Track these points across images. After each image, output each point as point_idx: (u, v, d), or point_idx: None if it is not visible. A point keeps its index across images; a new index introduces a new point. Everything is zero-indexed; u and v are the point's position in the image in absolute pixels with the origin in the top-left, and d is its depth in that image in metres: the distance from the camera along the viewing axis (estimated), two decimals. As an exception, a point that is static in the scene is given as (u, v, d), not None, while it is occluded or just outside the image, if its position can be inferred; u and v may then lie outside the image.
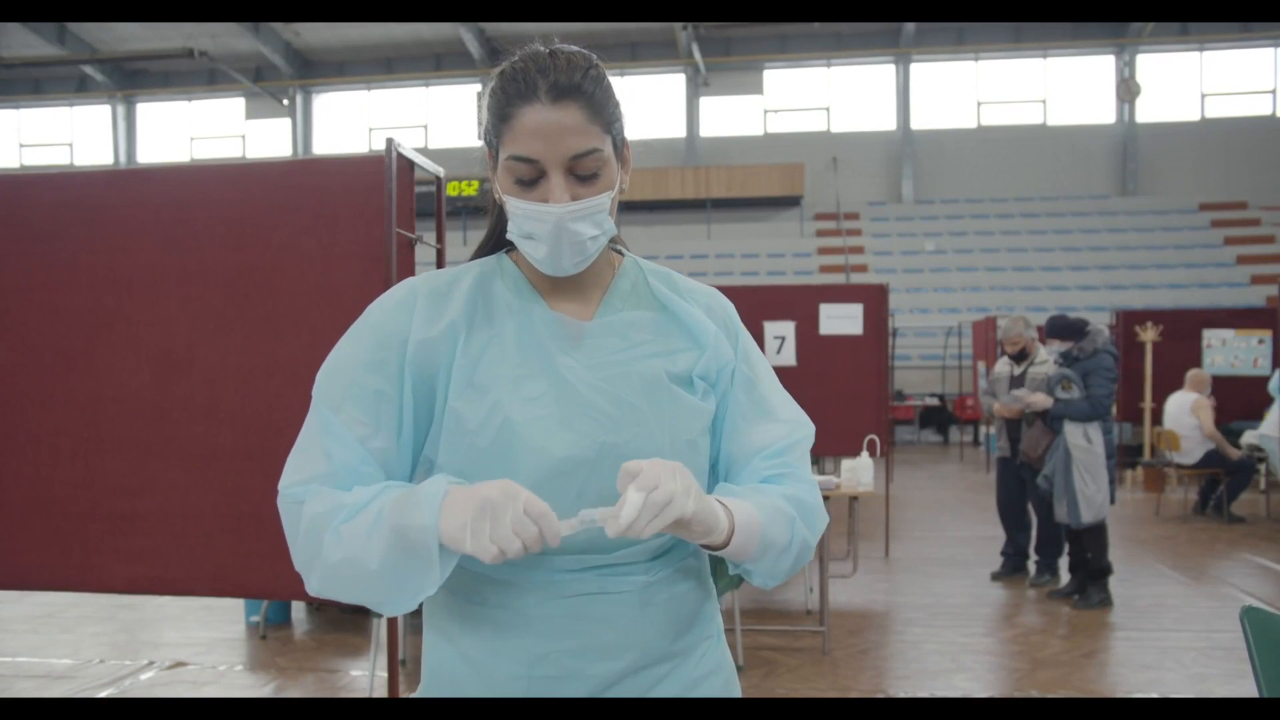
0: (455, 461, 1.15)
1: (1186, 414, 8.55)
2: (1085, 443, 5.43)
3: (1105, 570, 5.56)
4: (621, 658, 1.16)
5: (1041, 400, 5.66)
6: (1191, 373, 8.98)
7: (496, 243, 1.30)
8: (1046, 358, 6.04)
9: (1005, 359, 6.36)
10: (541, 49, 1.16)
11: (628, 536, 1.02)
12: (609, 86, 1.17)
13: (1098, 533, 5.51)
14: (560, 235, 1.14)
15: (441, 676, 1.21)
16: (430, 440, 1.19)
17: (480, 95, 1.22)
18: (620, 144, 1.20)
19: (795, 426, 1.26)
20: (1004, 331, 6.24)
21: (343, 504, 1.09)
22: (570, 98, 1.12)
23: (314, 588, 1.13)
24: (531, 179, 1.14)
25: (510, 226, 1.18)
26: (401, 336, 1.16)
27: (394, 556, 1.05)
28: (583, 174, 1.14)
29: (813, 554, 1.26)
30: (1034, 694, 4.13)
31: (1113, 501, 5.51)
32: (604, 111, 1.15)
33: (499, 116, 1.15)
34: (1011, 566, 6.27)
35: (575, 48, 1.18)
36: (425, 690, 1.24)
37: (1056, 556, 6.07)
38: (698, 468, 1.20)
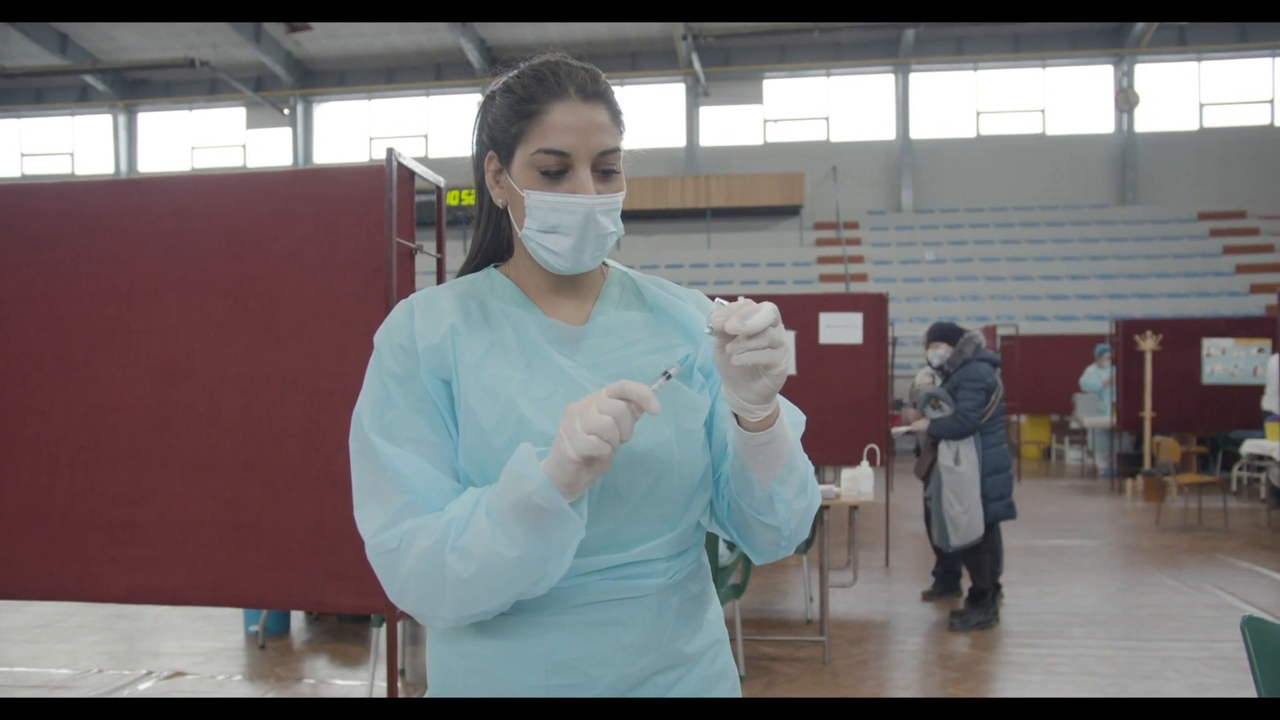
0: (472, 460, 1.16)
1: None
2: (952, 464, 5.30)
3: (983, 592, 5.35)
4: (638, 662, 1.16)
5: (920, 424, 5.56)
6: None
7: (485, 257, 1.30)
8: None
9: (926, 369, 6.08)
10: (554, 59, 1.20)
11: (747, 330, 1.03)
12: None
13: (973, 554, 5.35)
14: (588, 226, 1.17)
15: (452, 690, 1.20)
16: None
17: (487, 101, 1.23)
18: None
19: (793, 412, 1.27)
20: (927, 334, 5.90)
21: (449, 522, 1.09)
22: (597, 99, 1.18)
23: (448, 617, 1.12)
24: (559, 171, 1.17)
25: (529, 222, 1.19)
26: (411, 348, 1.18)
27: (529, 532, 1.05)
28: (606, 170, 1.19)
29: (809, 530, 1.25)
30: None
31: (1014, 516, 5.40)
32: (620, 118, 1.22)
33: (521, 114, 1.17)
34: (944, 586, 5.97)
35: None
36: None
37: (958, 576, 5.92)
38: (700, 458, 1.21)
